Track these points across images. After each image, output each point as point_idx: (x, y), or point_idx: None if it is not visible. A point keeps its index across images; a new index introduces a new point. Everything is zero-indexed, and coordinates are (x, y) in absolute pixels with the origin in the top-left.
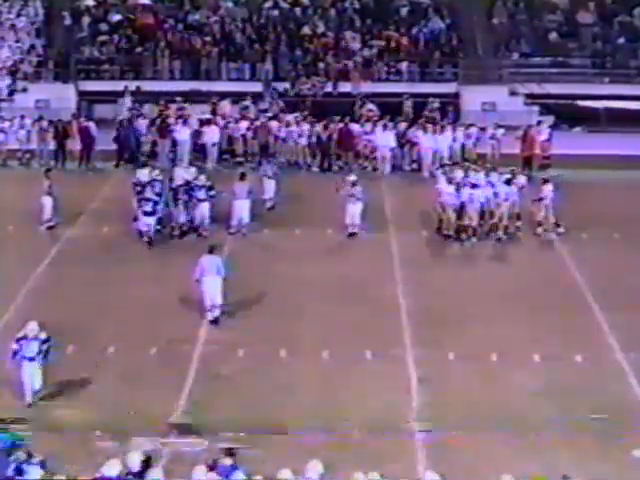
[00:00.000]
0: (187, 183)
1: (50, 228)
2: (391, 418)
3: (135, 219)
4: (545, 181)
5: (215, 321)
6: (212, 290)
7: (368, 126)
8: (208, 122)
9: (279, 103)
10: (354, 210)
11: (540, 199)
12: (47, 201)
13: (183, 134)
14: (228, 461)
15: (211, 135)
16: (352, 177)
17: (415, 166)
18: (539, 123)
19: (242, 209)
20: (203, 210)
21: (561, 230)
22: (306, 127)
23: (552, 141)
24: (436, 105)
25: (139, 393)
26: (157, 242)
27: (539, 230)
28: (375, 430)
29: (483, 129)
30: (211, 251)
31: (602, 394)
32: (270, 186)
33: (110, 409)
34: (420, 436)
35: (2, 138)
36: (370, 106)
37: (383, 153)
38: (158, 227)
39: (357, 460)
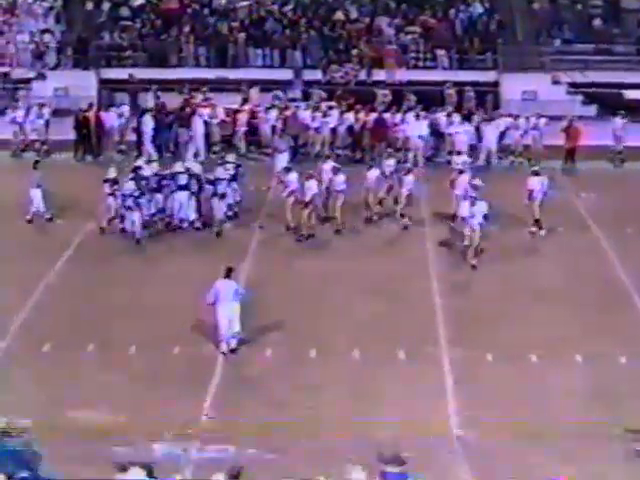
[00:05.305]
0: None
1: (29, 222)
2: (425, 421)
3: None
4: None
5: (232, 351)
6: (228, 318)
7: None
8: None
9: (321, 93)
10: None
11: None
12: (36, 194)
13: (198, 126)
14: (395, 469)
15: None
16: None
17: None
18: (622, 117)
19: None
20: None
21: (537, 231)
22: (345, 116)
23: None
24: (471, 94)
25: (161, 395)
26: (176, 238)
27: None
28: (408, 434)
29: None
30: (228, 275)
31: None
32: (281, 160)
33: (130, 412)
34: (455, 440)
35: (18, 129)
36: (411, 96)
37: (415, 143)
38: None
39: None
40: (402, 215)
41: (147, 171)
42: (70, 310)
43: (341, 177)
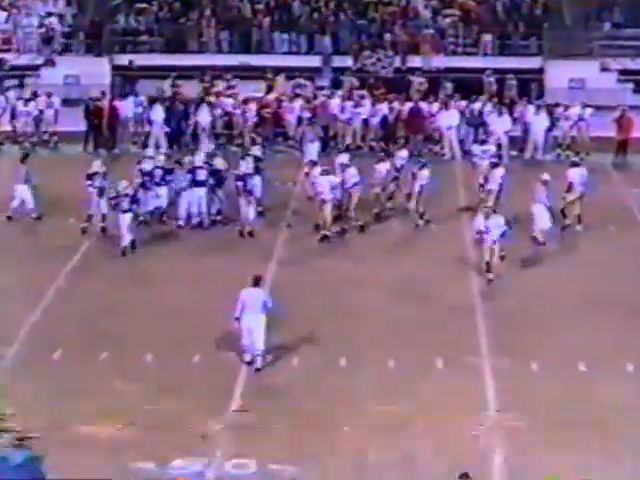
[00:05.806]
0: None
1: (39, 218)
2: (465, 434)
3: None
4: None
5: (257, 370)
6: (252, 330)
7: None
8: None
9: (352, 81)
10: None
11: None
12: (23, 190)
13: (204, 116)
14: None
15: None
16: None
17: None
18: None
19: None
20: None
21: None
22: (378, 106)
23: None
24: (513, 82)
25: (180, 407)
26: (196, 237)
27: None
28: (447, 448)
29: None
30: (255, 284)
31: None
32: (312, 150)
33: (147, 425)
34: (498, 455)
35: (30, 120)
36: (448, 84)
37: (447, 135)
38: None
39: None
40: (420, 214)
41: (149, 164)
42: (82, 314)
43: (352, 171)
